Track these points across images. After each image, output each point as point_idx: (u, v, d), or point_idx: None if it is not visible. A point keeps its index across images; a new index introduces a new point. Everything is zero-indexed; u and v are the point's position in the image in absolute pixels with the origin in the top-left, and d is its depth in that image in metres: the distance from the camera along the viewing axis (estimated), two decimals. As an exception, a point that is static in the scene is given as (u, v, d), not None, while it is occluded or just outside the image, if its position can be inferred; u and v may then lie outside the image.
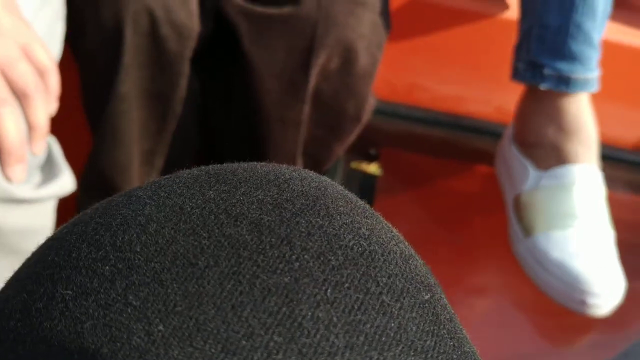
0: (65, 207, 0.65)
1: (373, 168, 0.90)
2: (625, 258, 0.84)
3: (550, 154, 0.79)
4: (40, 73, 0.53)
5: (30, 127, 0.53)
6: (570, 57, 0.76)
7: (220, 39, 0.77)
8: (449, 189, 0.90)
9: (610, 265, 0.74)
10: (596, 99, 0.83)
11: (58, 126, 0.63)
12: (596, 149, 0.80)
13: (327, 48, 0.72)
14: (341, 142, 0.82)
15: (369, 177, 0.89)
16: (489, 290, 0.80)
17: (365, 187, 0.87)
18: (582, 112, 0.79)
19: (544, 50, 0.77)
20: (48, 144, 0.58)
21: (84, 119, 0.75)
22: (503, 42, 0.84)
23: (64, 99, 0.58)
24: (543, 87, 0.77)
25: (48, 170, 0.58)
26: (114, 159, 0.73)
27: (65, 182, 0.59)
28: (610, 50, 0.88)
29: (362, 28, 0.74)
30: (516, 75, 0.80)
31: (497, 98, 0.92)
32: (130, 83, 0.69)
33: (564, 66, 0.76)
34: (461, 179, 0.89)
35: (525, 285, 0.80)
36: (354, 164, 0.89)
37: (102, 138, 0.73)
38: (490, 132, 0.93)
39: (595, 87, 0.78)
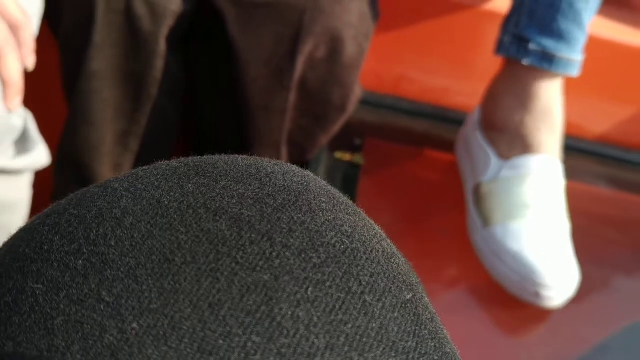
0: (41, 187, 0.64)
1: (357, 158, 0.89)
2: (605, 253, 0.85)
3: (514, 141, 0.79)
4: (14, 28, 0.51)
5: (3, 83, 0.51)
6: (558, 34, 0.76)
7: (206, 23, 0.76)
8: (432, 181, 0.90)
9: (565, 258, 0.74)
10: (580, 93, 0.83)
11: (38, 104, 0.62)
12: (561, 138, 0.80)
13: (314, 36, 0.72)
14: (326, 131, 0.81)
15: (353, 167, 0.88)
16: (476, 280, 0.80)
17: (349, 177, 0.87)
18: (553, 98, 0.78)
19: (532, 24, 0.76)
20: (24, 118, 0.57)
21: (63, 97, 0.74)
22: (491, 35, 0.84)
23: (43, 78, 0.57)
24: (525, 62, 0.77)
25: (23, 144, 0.57)
26: (84, 137, 0.72)
27: (40, 155, 0.58)
28: (600, 46, 0.88)
29: (349, 17, 0.73)
30: (500, 48, 0.80)
31: (483, 91, 0.92)
32: (103, 61, 0.68)
33: (550, 43, 0.76)
34: (445, 170, 0.89)
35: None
36: (338, 154, 0.89)
37: (74, 116, 0.72)
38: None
39: (576, 71, 0.78)
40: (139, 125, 0.74)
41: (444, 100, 0.94)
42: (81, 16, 0.67)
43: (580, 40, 0.77)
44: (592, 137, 0.96)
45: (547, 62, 0.76)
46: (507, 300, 0.76)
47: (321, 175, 0.85)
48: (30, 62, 0.53)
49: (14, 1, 0.51)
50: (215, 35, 0.75)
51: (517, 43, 0.77)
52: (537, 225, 0.75)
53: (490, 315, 0.80)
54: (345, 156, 0.89)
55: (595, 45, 0.86)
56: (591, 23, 0.78)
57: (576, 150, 0.94)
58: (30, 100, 0.62)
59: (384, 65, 0.92)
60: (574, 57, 0.77)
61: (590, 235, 0.83)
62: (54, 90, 0.74)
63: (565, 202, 0.79)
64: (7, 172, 0.55)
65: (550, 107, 0.78)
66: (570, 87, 0.81)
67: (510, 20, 0.79)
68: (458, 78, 0.93)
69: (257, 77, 0.74)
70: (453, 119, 0.89)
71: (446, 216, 0.84)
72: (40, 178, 0.64)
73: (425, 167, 0.90)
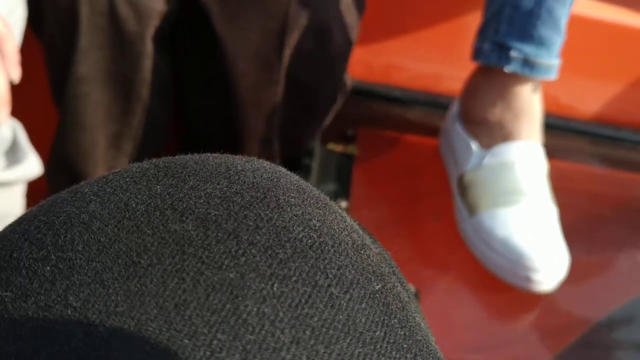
0: (36, 194, 0.65)
1: (350, 148, 0.89)
2: (601, 232, 0.85)
3: (494, 132, 0.79)
4: None
5: None
6: (538, 41, 0.76)
7: (192, 20, 0.76)
8: (426, 167, 0.90)
9: (554, 241, 0.74)
10: (571, 73, 0.82)
11: (29, 110, 0.62)
12: (540, 128, 0.80)
13: (300, 29, 0.72)
14: (317, 123, 0.81)
15: (347, 158, 0.88)
16: (472, 265, 0.80)
17: (343, 168, 0.87)
18: (532, 95, 0.79)
19: (513, 32, 0.76)
20: (13, 128, 0.57)
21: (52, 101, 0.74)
22: (479, 19, 0.83)
23: (32, 82, 0.57)
24: (507, 69, 0.77)
25: (13, 155, 0.57)
26: (76, 142, 0.72)
27: (31, 166, 0.58)
28: (586, 25, 0.88)
29: (335, 8, 0.73)
30: (479, 56, 0.80)
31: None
32: (90, 65, 0.68)
33: (530, 50, 0.76)
34: (439, 157, 0.89)
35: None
36: (331, 145, 0.89)
37: (64, 121, 0.72)
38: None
39: (555, 75, 0.78)
40: (131, 127, 0.74)
41: (435, 86, 0.94)
42: (64, 20, 0.67)
43: (559, 45, 0.77)
44: (584, 117, 0.96)
45: (528, 69, 0.77)
46: (501, 285, 0.76)
47: (315, 168, 0.85)
48: (15, 74, 0.53)
49: None
50: (201, 32, 0.75)
51: (498, 50, 0.78)
52: (523, 210, 0.75)
53: (485, 300, 0.80)
54: (339, 147, 0.89)
55: (585, 25, 0.86)
56: (582, 3, 0.78)
57: (569, 130, 0.94)
58: (20, 105, 0.62)
59: (373, 54, 0.92)
60: (553, 62, 0.78)
61: (584, 214, 0.83)
62: (44, 94, 0.74)
63: (558, 182, 0.79)
64: None
65: (529, 102, 0.79)
66: (562, 67, 0.81)
67: (488, 27, 0.79)
68: (447, 64, 0.93)
69: (245, 73, 0.74)
70: (444, 105, 0.89)
71: (440, 202, 0.84)
72: (36, 184, 0.64)
73: (419, 154, 0.91)
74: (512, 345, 0.78)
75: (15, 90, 0.58)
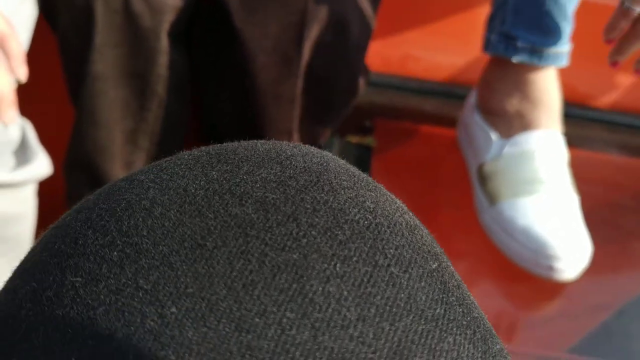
0: (50, 194, 0.65)
1: (368, 140, 0.90)
2: (622, 220, 0.85)
3: (513, 122, 0.79)
4: None
5: None
6: (545, 29, 0.76)
7: (210, 15, 0.77)
8: (444, 158, 0.90)
9: (576, 229, 0.74)
10: (588, 61, 0.82)
11: (45, 109, 0.62)
12: (559, 117, 0.80)
13: (319, 21, 0.72)
14: (336, 115, 0.82)
15: (365, 149, 0.89)
16: (492, 256, 0.80)
17: (361, 159, 0.87)
18: (548, 84, 0.79)
19: (519, 22, 0.76)
20: (22, 128, 0.57)
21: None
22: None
23: (49, 79, 0.57)
24: (515, 60, 0.77)
25: (22, 154, 0.57)
26: (94, 139, 0.73)
27: (41, 166, 0.58)
28: (604, 12, 0.88)
29: (353, 0, 0.73)
30: (488, 47, 0.80)
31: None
32: (105, 62, 0.69)
33: (538, 39, 0.76)
34: (456, 147, 0.89)
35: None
36: (349, 137, 0.89)
37: (81, 118, 0.72)
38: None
39: (565, 62, 0.78)
40: (147, 123, 0.75)
41: (452, 77, 0.94)
42: (79, 19, 0.67)
43: (567, 31, 0.77)
44: (602, 105, 0.96)
45: (537, 58, 0.77)
46: (523, 274, 0.76)
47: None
48: (22, 73, 0.52)
49: None
50: (218, 26, 0.75)
51: (505, 41, 0.77)
52: (544, 199, 0.75)
53: (506, 289, 0.80)
54: (356, 138, 0.89)
55: (604, 13, 0.86)
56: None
57: (587, 119, 0.94)
58: (37, 102, 0.62)
59: (390, 45, 0.92)
60: (562, 49, 0.77)
61: (604, 202, 0.83)
62: (59, 92, 0.75)
63: (577, 171, 0.79)
64: (8, 186, 0.54)
65: (546, 92, 0.79)
66: (579, 55, 0.81)
67: (495, 18, 0.79)
68: (464, 54, 0.93)
69: (264, 66, 0.74)
70: (462, 96, 0.89)
71: (459, 192, 0.85)
72: (51, 181, 0.64)
73: (437, 145, 0.91)
74: (534, 333, 0.78)
75: (30, 90, 0.58)
